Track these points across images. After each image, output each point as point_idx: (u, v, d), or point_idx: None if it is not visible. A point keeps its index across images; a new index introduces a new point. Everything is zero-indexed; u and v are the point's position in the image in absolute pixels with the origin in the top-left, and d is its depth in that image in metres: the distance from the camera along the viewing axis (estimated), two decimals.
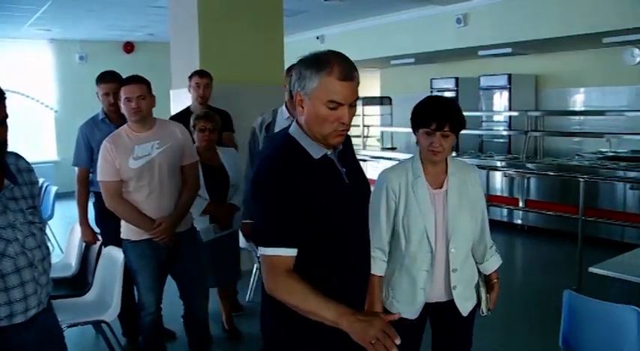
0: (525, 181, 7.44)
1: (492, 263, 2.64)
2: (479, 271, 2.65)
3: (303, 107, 1.88)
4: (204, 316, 3.72)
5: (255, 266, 5.14)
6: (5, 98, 1.98)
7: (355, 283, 2.04)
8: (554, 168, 7.22)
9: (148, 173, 3.38)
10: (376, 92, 12.39)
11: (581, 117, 9.01)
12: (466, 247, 2.55)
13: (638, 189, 6.37)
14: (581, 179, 5.65)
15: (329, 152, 1.93)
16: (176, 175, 3.50)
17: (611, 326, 2.67)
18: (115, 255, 3.72)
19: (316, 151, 1.91)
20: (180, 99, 5.78)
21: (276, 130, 3.66)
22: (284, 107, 3.76)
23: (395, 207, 2.49)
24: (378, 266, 2.50)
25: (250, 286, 5.15)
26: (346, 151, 2.03)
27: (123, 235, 3.51)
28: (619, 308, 2.63)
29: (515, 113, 8.74)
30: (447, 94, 9.95)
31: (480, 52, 8.78)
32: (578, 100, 9.20)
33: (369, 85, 12.56)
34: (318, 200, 1.86)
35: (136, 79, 3.41)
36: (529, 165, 7.49)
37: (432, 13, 8.90)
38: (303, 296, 1.80)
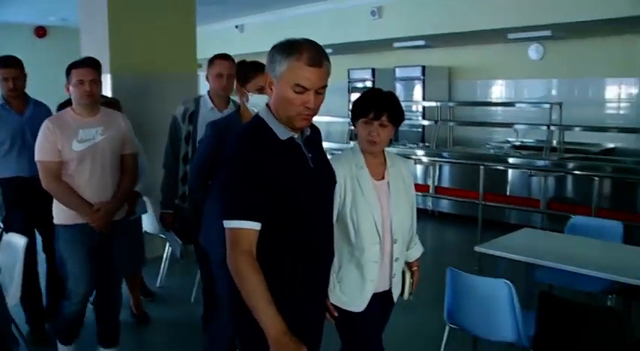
0: (436, 168, 7.73)
1: (416, 251, 2.71)
2: None
3: (272, 89, 1.93)
4: (119, 304, 3.72)
5: (166, 252, 5.17)
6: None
7: (320, 266, 2.11)
8: (460, 156, 7.54)
9: (90, 157, 3.35)
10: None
11: (493, 108, 9.42)
12: (405, 236, 2.59)
13: (536, 176, 6.73)
14: (481, 166, 5.96)
15: (296, 136, 1.97)
16: (116, 163, 3.51)
17: (487, 298, 2.89)
18: (16, 241, 3.66)
19: (283, 133, 1.95)
20: None
21: (200, 119, 3.67)
22: (207, 96, 3.76)
23: (341, 199, 2.46)
24: None
25: (161, 272, 5.17)
26: (313, 141, 2.07)
27: (56, 220, 3.44)
28: (493, 282, 2.85)
29: (427, 104, 9.05)
30: (364, 84, 10.22)
31: (395, 44, 9.03)
32: (488, 91, 9.63)
33: None
34: (285, 181, 1.91)
35: (90, 63, 3.38)
36: (439, 153, 7.79)
37: (347, 5, 9.08)
38: (253, 289, 1.83)
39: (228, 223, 1.89)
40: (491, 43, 8.93)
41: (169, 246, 5.05)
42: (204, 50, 6.31)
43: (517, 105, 8.70)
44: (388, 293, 2.57)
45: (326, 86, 1.92)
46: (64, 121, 3.38)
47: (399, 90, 9.82)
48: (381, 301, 2.56)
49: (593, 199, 5.76)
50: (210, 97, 3.74)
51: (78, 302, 3.47)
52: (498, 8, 7.33)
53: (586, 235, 3.85)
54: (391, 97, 2.49)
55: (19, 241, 3.63)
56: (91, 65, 3.37)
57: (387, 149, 2.59)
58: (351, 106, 2.49)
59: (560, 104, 7.19)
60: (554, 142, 7.15)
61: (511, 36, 7.83)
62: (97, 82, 3.36)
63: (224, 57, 3.72)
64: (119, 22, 5.64)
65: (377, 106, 2.42)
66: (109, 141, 3.44)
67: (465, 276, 2.77)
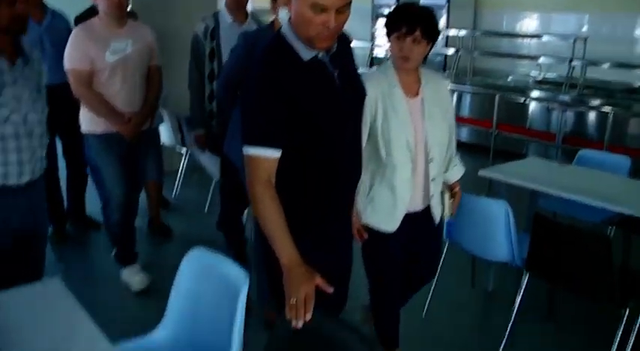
0: (454, 97, 7.69)
1: (456, 172, 2.67)
2: None
3: (290, 5, 1.81)
4: (136, 209, 3.84)
5: (181, 165, 5.31)
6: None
7: (344, 184, 2.06)
8: (480, 86, 7.50)
9: (121, 69, 3.42)
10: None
11: (519, 40, 9.17)
12: (442, 155, 2.53)
13: (554, 109, 6.71)
14: (496, 96, 5.96)
15: (320, 54, 1.86)
16: (144, 75, 3.59)
17: (485, 219, 2.99)
18: None
19: (306, 53, 1.85)
20: None
21: (222, 34, 3.64)
22: (224, 10, 3.70)
23: (372, 118, 2.41)
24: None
25: (176, 184, 5.34)
26: (342, 55, 1.97)
27: (84, 129, 3.54)
28: (491, 202, 2.94)
29: (451, 32, 8.89)
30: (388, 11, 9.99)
31: None
32: (516, 23, 9.38)
33: None
34: (307, 102, 1.83)
35: None
36: (459, 82, 7.72)
37: None
38: (269, 219, 1.80)
39: (247, 150, 1.83)
40: None
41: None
42: None
43: (543, 38, 8.50)
44: (425, 213, 2.56)
45: (349, 4, 1.77)
46: (94, 30, 3.39)
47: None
48: (417, 221, 2.54)
49: (606, 135, 5.76)
50: (228, 10, 3.70)
51: (119, 205, 3.56)
52: None
53: (593, 168, 3.89)
54: (425, 11, 2.36)
55: None
56: None
57: (423, 68, 2.50)
58: (375, 28, 2.48)
59: (585, 39, 7.04)
60: (578, 78, 7.04)
61: None
62: None
63: None
64: None
65: (410, 20, 2.31)
66: (139, 53, 3.51)
67: (466, 196, 2.84)
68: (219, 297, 2.03)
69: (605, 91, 7.22)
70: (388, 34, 2.40)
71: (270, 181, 1.83)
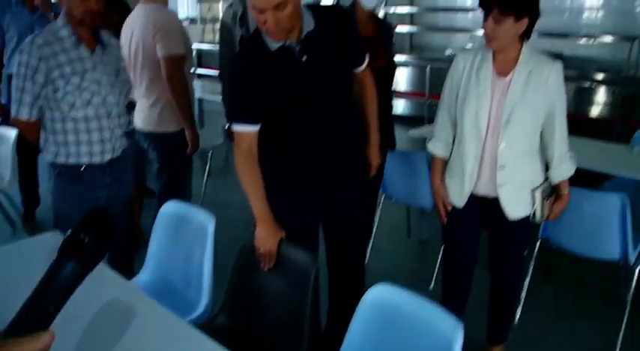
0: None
1: (561, 172, 2.43)
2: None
3: None
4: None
5: None
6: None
7: (317, 155, 2.31)
8: (415, 60, 7.98)
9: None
10: None
11: (454, 14, 9.65)
12: (522, 144, 2.35)
13: None
14: (427, 67, 6.44)
15: (287, 42, 2.11)
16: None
17: (411, 172, 3.45)
18: (7, 133, 4.07)
19: (272, 44, 2.12)
20: None
21: (250, 19, 3.35)
22: None
23: (458, 88, 2.41)
24: (437, 147, 2.57)
25: None
26: (319, 36, 2.15)
27: (161, 128, 3.48)
28: (415, 155, 3.41)
29: (389, 10, 9.32)
30: None
31: None
32: None
33: None
34: (270, 87, 2.15)
35: None
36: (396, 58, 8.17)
37: None
38: (247, 183, 2.20)
39: (232, 126, 2.25)
40: None
41: None
42: None
43: (477, 12, 8.94)
44: (495, 203, 2.42)
45: (281, 4, 1.95)
46: None
47: None
48: (491, 210, 2.45)
49: None
50: None
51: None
52: None
53: None
54: None
55: (10, 132, 4.04)
56: None
57: (530, 48, 2.33)
58: None
59: None
60: None
61: None
62: None
63: None
64: None
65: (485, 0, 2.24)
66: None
67: (399, 154, 3.27)
68: (190, 240, 2.44)
69: None
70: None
71: (251, 151, 2.22)
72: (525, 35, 2.32)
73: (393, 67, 3.22)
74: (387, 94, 3.20)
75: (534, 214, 2.42)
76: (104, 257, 0.78)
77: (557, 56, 8.04)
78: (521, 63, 2.30)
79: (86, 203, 2.61)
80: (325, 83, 2.23)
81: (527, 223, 2.47)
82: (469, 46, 8.77)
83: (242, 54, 2.27)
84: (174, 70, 3.31)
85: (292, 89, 2.20)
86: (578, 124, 4.62)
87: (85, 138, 2.58)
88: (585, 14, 8.62)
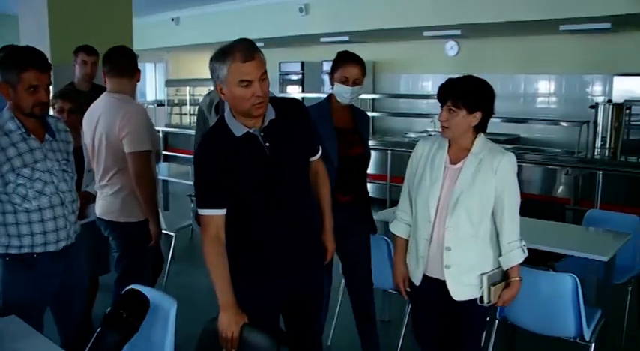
0: None
1: (509, 259, 2.47)
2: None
3: (224, 94, 2.17)
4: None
5: None
6: (51, 69, 2.49)
7: (280, 244, 2.34)
8: (379, 144, 8.22)
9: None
10: None
11: (415, 100, 10.01)
12: (468, 229, 2.44)
13: None
14: (389, 151, 6.66)
15: (252, 130, 2.22)
16: None
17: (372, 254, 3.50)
18: None
19: (238, 130, 2.22)
20: None
21: (226, 108, 3.64)
22: None
23: (414, 173, 2.57)
24: (399, 227, 2.69)
25: None
26: (280, 125, 2.27)
27: (125, 218, 3.39)
28: (377, 238, 3.48)
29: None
30: (294, 77, 10.80)
31: (322, 39, 9.62)
32: (411, 85, 10.35)
33: None
34: (235, 173, 2.21)
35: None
36: None
37: (277, 1, 9.58)
38: (212, 268, 2.23)
39: (199, 211, 2.28)
40: (411, 39, 9.60)
41: None
42: (141, 42, 6.67)
43: (434, 98, 9.36)
44: (444, 285, 2.50)
45: (266, 72, 2.15)
46: None
47: (327, 82, 10.39)
48: (439, 290, 2.52)
49: None
50: None
51: None
52: (414, 8, 8.02)
53: None
54: (464, 83, 2.42)
55: None
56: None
57: (484, 140, 2.48)
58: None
59: None
60: None
61: (426, 34, 8.53)
62: None
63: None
64: (59, 13, 5.90)
65: (442, 91, 2.42)
66: None
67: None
68: (151, 324, 2.41)
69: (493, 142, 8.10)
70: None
71: (219, 236, 2.26)
72: (480, 128, 2.46)
73: (368, 154, 3.34)
74: (363, 180, 3.34)
75: (482, 297, 2.47)
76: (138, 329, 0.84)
77: (514, 139, 8.62)
78: (473, 153, 2.44)
79: (38, 292, 2.60)
80: (287, 169, 2.33)
81: (478, 305, 2.50)
82: (430, 129, 9.11)
83: (207, 139, 2.32)
84: (142, 167, 3.26)
85: (256, 175, 2.26)
86: (534, 205, 4.83)
87: (39, 228, 2.53)
88: (539, 100, 9.10)
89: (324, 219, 2.61)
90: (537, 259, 3.54)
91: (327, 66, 10.57)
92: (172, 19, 11.45)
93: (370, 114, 8.89)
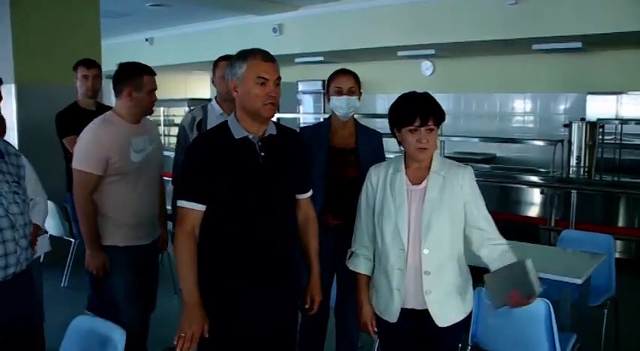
0: None
1: (506, 257, 2.36)
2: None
3: (237, 91, 2.22)
4: None
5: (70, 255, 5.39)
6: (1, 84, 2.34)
7: (261, 261, 2.30)
8: None
9: (145, 170, 3.13)
10: (207, 94, 12.85)
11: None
12: (445, 249, 2.34)
13: None
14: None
15: (251, 136, 2.25)
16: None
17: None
18: None
19: (238, 132, 2.25)
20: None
21: (209, 126, 3.33)
22: (214, 102, 3.52)
23: (373, 202, 2.43)
24: (360, 263, 2.51)
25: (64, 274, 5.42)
26: (278, 142, 2.31)
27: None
28: None
29: (325, 116, 9.61)
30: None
31: (297, 60, 9.58)
32: (387, 104, 10.27)
33: (200, 87, 12.99)
34: (228, 173, 2.21)
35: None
36: None
37: (251, 21, 9.57)
38: (182, 264, 2.21)
39: (179, 202, 2.26)
40: (386, 59, 9.59)
41: None
42: (115, 61, 6.49)
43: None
44: (426, 313, 2.35)
45: (280, 78, 2.24)
46: (115, 125, 3.07)
47: (303, 102, 10.38)
48: (420, 320, 2.38)
49: None
50: (217, 103, 3.49)
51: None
52: (388, 28, 8.02)
53: None
54: (431, 99, 2.35)
55: None
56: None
57: (439, 156, 2.41)
58: (390, 114, 2.35)
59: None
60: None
61: (400, 53, 8.52)
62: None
63: (229, 58, 3.70)
64: (23, 32, 5.77)
65: (421, 111, 2.27)
66: (158, 151, 3.31)
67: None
68: None
69: (461, 161, 8.07)
70: (397, 128, 2.35)
71: (193, 232, 2.24)
72: None
73: (363, 179, 3.09)
74: (354, 202, 3.09)
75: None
76: None
77: (490, 158, 8.61)
78: (434, 170, 2.35)
79: None
80: (279, 185, 2.32)
81: (457, 328, 2.42)
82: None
83: (205, 135, 2.33)
84: (75, 185, 3.03)
85: (245, 178, 2.25)
86: (508, 226, 4.76)
87: None
88: (514, 119, 9.12)
89: (312, 269, 2.53)
90: None
91: (302, 86, 10.59)
92: (146, 40, 11.36)
93: None
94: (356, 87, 3.11)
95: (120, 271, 3.08)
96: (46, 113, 4.85)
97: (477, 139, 8.21)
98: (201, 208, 2.24)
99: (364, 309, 2.50)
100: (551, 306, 2.72)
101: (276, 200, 2.32)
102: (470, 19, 7.35)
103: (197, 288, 2.20)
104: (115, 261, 3.07)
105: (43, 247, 3.20)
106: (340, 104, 3.07)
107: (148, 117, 3.29)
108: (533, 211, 6.53)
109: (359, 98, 3.10)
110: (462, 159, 8.18)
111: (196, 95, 11.91)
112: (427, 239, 2.30)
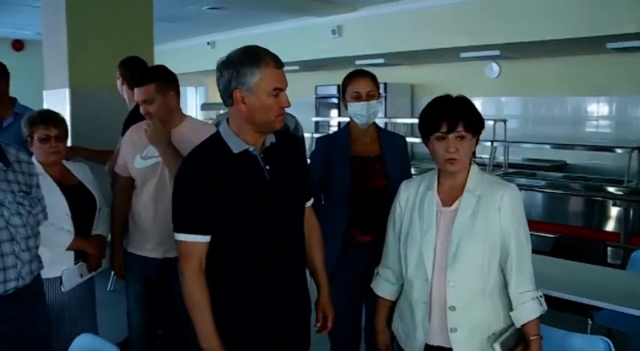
0: None
1: (523, 313, 2.05)
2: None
3: (245, 103, 1.92)
4: None
5: None
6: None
7: (273, 278, 2.05)
8: (418, 172, 7.82)
9: (152, 179, 3.01)
10: None
11: None
12: (473, 283, 2.03)
13: None
14: None
15: (252, 148, 1.99)
16: None
17: None
18: None
19: (236, 146, 1.97)
20: (55, 100, 5.89)
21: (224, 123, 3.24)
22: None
23: (400, 225, 2.19)
24: (381, 287, 2.30)
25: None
26: (279, 150, 2.07)
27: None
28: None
29: (387, 120, 9.33)
30: (331, 101, 10.51)
31: (357, 62, 9.32)
32: None
33: None
34: (230, 192, 1.93)
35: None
36: None
37: (309, 23, 9.37)
38: (195, 305, 1.94)
39: (177, 236, 1.97)
40: (448, 61, 9.22)
41: None
42: (179, 66, 6.48)
43: None
44: None
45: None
46: (139, 131, 3.00)
47: None
48: None
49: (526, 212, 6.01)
50: None
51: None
52: (450, 29, 7.65)
53: None
54: (463, 102, 2.10)
55: None
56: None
57: (478, 172, 2.12)
58: (419, 121, 2.13)
59: (504, 121, 7.47)
60: (502, 158, 7.41)
61: (463, 55, 8.14)
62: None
63: None
64: (78, 38, 5.82)
65: (449, 116, 2.02)
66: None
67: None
68: None
69: (531, 168, 7.63)
70: (426, 136, 2.11)
71: (200, 268, 1.97)
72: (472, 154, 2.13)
73: (393, 188, 2.59)
74: (384, 215, 2.54)
75: None
76: None
77: (560, 165, 8.09)
78: (469, 190, 2.07)
79: None
80: (291, 199, 2.09)
81: None
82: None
83: (198, 153, 2.03)
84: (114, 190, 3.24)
85: (251, 198, 1.98)
86: (572, 242, 4.36)
87: None
88: (587, 123, 8.54)
89: (321, 283, 2.32)
90: (575, 308, 3.10)
91: None
92: (208, 43, 11.38)
93: (408, 139, 8.58)
94: (375, 90, 2.84)
95: (128, 277, 3.15)
96: (97, 118, 4.87)
97: (548, 146, 7.69)
98: (206, 239, 1.97)
99: (379, 337, 2.30)
100: (612, 346, 2.35)
101: (289, 218, 2.09)
102: (537, 17, 6.89)
103: (215, 331, 1.94)
104: (125, 265, 3.13)
105: (107, 260, 3.15)
106: (359, 111, 2.80)
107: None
108: (604, 226, 6.01)
109: (379, 101, 2.84)
110: (530, 166, 7.78)
111: None
112: (453, 270, 2.02)
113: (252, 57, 1.93)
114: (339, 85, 10.58)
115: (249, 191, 1.98)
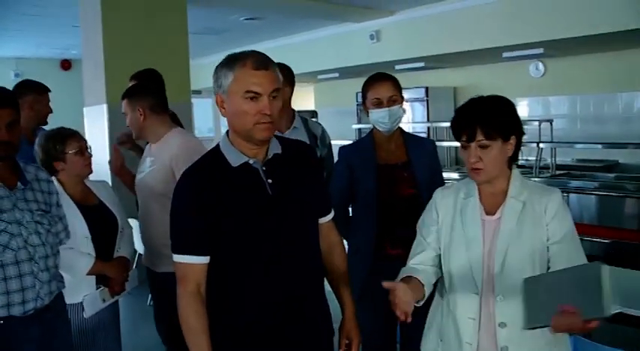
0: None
1: None
2: None
3: (224, 108, 1.82)
4: None
5: None
6: (12, 105, 2.23)
7: (279, 296, 1.89)
8: (462, 177, 7.63)
9: (139, 196, 3.05)
10: (311, 106, 12.75)
11: None
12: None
13: None
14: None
15: (252, 160, 1.85)
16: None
17: None
18: None
19: (235, 159, 1.84)
20: (94, 116, 5.99)
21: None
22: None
23: (437, 233, 2.03)
24: (410, 271, 2.01)
25: None
26: (284, 161, 1.91)
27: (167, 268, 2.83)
28: None
29: (429, 124, 9.17)
30: None
31: (396, 67, 9.19)
32: None
33: (303, 99, 12.91)
34: (230, 208, 1.81)
35: None
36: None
37: (346, 30, 9.29)
38: (194, 333, 1.82)
39: (174, 257, 1.86)
40: (491, 62, 9.00)
41: None
42: (204, 81, 6.50)
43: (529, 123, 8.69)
44: None
45: (279, 89, 1.80)
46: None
47: (409, 111, 9.97)
48: None
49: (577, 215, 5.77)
50: None
51: None
52: (490, 28, 7.46)
53: None
54: (486, 105, 1.93)
55: None
56: None
57: (520, 176, 1.98)
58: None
59: (550, 121, 7.21)
60: (549, 160, 7.15)
61: (505, 54, 7.91)
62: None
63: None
64: (114, 55, 5.91)
65: (466, 124, 1.89)
66: (154, 177, 2.95)
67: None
68: None
69: (579, 169, 7.34)
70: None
71: (198, 292, 1.85)
72: (513, 158, 1.96)
73: (422, 199, 2.53)
74: (413, 226, 2.40)
75: None
76: None
77: (612, 165, 7.75)
78: (512, 196, 1.93)
79: None
80: (297, 215, 1.90)
81: None
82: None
83: (195, 168, 1.90)
84: None
85: (252, 216, 1.84)
86: (623, 247, 4.12)
87: (1, 288, 2.18)
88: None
89: (346, 304, 2.10)
90: (636, 321, 2.86)
91: (404, 94, 10.07)
92: None
93: (448, 144, 8.38)
94: (397, 94, 2.72)
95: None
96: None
97: (599, 146, 7.39)
98: (204, 260, 1.84)
99: (395, 292, 1.82)
100: None
101: (295, 233, 1.91)
102: (581, 10, 6.62)
103: None
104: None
105: (132, 282, 2.98)
106: (381, 117, 2.69)
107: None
108: None
109: (402, 107, 2.69)
110: (580, 167, 7.47)
111: (300, 107, 11.86)
112: (502, 283, 1.87)
113: (230, 59, 1.80)
114: None
115: (249, 208, 1.84)
